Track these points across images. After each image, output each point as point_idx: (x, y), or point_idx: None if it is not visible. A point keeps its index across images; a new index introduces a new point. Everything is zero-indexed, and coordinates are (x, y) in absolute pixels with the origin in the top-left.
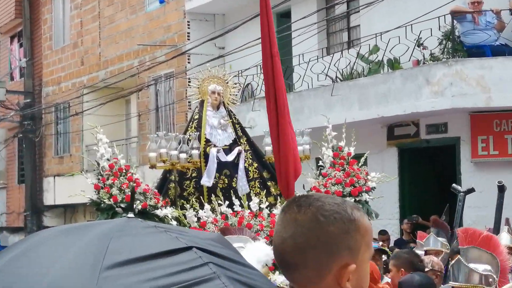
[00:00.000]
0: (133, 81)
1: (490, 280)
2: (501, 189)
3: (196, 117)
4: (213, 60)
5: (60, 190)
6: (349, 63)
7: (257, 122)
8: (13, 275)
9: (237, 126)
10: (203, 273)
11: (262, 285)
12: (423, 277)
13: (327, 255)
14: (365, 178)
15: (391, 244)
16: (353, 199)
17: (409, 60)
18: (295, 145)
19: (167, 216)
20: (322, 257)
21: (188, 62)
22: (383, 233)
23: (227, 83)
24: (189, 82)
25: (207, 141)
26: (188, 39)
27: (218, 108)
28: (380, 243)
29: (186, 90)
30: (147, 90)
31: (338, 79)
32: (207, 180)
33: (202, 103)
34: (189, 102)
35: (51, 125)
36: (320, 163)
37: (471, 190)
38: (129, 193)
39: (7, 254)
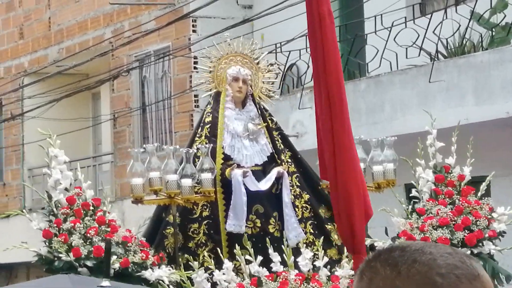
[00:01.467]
0: (105, 63)
1: None
2: None
3: (209, 119)
4: (234, 26)
5: None
6: (458, 29)
7: (307, 127)
8: None
9: (275, 133)
10: None
11: None
12: None
13: None
14: (489, 216)
15: None
16: (469, 251)
17: None
18: (358, 166)
19: (162, 280)
20: None
21: (194, 31)
22: None
23: (258, 63)
24: (196, 63)
25: (227, 158)
26: None
27: (243, 105)
28: None
29: (191, 76)
30: (127, 77)
31: (440, 56)
32: (236, 224)
33: (217, 97)
34: (196, 96)
35: None
36: (414, 192)
37: None
38: (100, 244)
39: None
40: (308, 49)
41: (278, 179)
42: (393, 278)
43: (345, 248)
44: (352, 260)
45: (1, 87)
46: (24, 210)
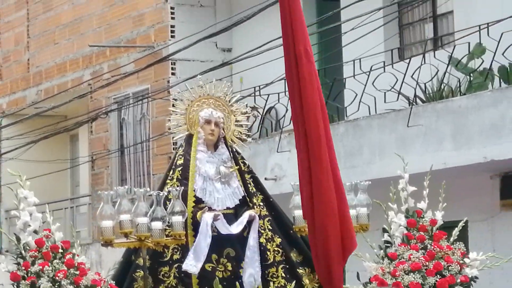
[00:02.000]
0: (83, 105)
1: None
2: None
3: (180, 162)
4: (213, 69)
5: None
6: (437, 74)
7: (286, 170)
8: None
9: (247, 176)
10: None
11: None
12: None
13: None
14: (460, 261)
15: None
16: None
17: None
18: (345, 206)
19: None
20: None
21: (173, 74)
22: None
23: (231, 106)
24: (174, 105)
25: (198, 201)
26: (172, 37)
27: (216, 147)
28: None
29: (170, 119)
30: (106, 119)
31: (418, 100)
32: (192, 264)
33: (189, 139)
34: (175, 140)
35: None
36: (386, 236)
37: None
38: (68, 287)
39: None
40: (287, 93)
41: (250, 223)
42: None
43: None
44: None
45: None
46: None
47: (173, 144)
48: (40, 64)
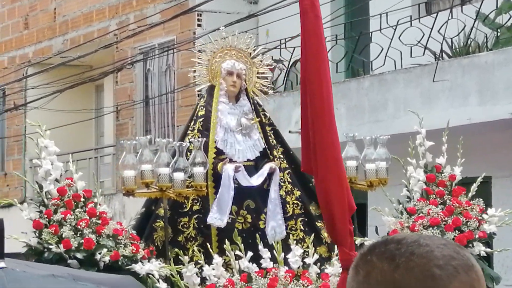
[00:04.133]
0: (109, 55)
1: None
2: None
3: (202, 113)
4: (239, 21)
5: None
6: (463, 29)
7: None
8: None
9: (268, 129)
10: None
11: None
12: None
13: None
14: (479, 217)
15: None
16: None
17: None
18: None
19: (153, 274)
20: None
21: (199, 25)
22: None
23: (253, 58)
24: (200, 56)
25: (219, 152)
26: None
27: (237, 99)
28: None
29: (195, 70)
30: (131, 69)
31: (444, 55)
32: (217, 218)
33: (211, 90)
34: (199, 90)
35: None
36: (405, 191)
37: None
38: (91, 236)
39: None
40: None
41: (270, 175)
42: (391, 271)
43: (335, 246)
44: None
45: (4, 77)
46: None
47: (198, 96)
48: (66, 13)
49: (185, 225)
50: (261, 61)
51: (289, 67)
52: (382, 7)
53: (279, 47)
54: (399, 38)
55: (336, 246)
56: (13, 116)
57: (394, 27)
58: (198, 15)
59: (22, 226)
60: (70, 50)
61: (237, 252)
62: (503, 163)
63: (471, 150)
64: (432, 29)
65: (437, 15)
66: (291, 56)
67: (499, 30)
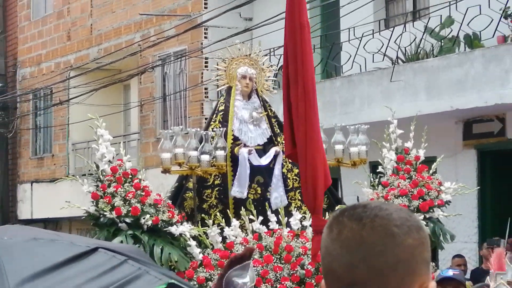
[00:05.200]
0: (134, 61)
1: None
2: None
3: (222, 108)
4: (237, 34)
5: (39, 200)
6: (414, 40)
7: None
8: None
9: (273, 120)
10: (128, 271)
11: (182, 282)
12: None
13: (409, 274)
14: (438, 189)
15: (467, 275)
16: (422, 216)
17: (492, 36)
18: (322, 145)
19: (185, 234)
20: (404, 278)
21: (205, 37)
22: (458, 256)
23: (262, 65)
24: (206, 62)
25: (235, 139)
26: (205, 7)
27: (249, 97)
28: (452, 272)
29: (202, 73)
30: (152, 72)
31: (399, 61)
32: (239, 191)
33: (229, 90)
34: (206, 88)
35: (28, 117)
36: (380, 169)
37: None
38: (137, 205)
39: None
40: None
41: (275, 156)
42: (359, 230)
43: (328, 211)
44: (311, 219)
45: (52, 78)
46: (68, 176)
47: (205, 94)
48: (100, 28)
49: (208, 196)
50: (267, 67)
51: (277, 70)
52: (350, 23)
53: (269, 54)
54: (363, 47)
55: (308, 209)
56: (59, 110)
57: (360, 39)
58: (204, 29)
59: (66, 197)
60: (103, 57)
61: (250, 217)
62: (445, 147)
63: (420, 136)
64: (389, 40)
65: (393, 29)
66: (278, 61)
67: (442, 41)
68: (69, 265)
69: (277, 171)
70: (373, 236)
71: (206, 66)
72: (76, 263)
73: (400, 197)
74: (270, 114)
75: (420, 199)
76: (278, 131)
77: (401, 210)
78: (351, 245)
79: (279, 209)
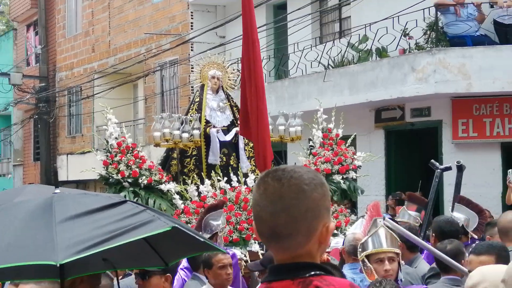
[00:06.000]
0: (140, 67)
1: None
2: (460, 168)
3: (197, 100)
4: (214, 48)
5: (72, 167)
6: (340, 52)
7: None
8: None
9: (234, 109)
10: (145, 217)
11: (190, 230)
12: None
13: (315, 218)
14: (352, 157)
15: None
16: (341, 177)
17: (395, 49)
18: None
19: (171, 190)
20: (312, 222)
21: (191, 50)
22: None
23: (226, 69)
24: (192, 68)
25: (207, 122)
26: (191, 29)
27: (217, 92)
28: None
29: (189, 76)
30: (153, 75)
31: (330, 67)
32: (214, 159)
33: (202, 87)
34: (192, 87)
35: (64, 107)
36: (311, 143)
37: (447, 168)
38: (136, 170)
39: None
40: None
41: (236, 135)
42: (279, 187)
43: None
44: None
45: (80, 80)
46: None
47: (191, 91)
48: (116, 43)
49: (188, 163)
50: (230, 71)
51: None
52: (295, 39)
53: (237, 62)
54: (304, 57)
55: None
56: (86, 102)
57: (302, 51)
58: (191, 44)
59: (92, 164)
60: (118, 64)
61: (218, 178)
62: (362, 127)
63: (345, 119)
64: (323, 52)
65: (325, 44)
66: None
67: (360, 52)
68: (102, 211)
69: (241, 145)
70: (289, 192)
71: (192, 71)
72: (108, 209)
73: (325, 163)
74: (232, 104)
75: (340, 165)
76: (238, 116)
77: (309, 171)
78: (273, 199)
79: (238, 171)
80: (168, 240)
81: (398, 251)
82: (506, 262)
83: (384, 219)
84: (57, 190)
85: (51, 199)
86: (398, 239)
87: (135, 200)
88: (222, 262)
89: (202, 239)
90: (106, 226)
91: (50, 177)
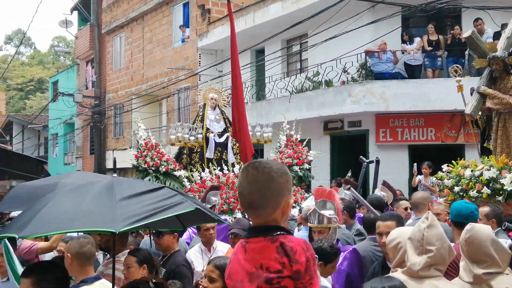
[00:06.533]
0: (164, 91)
1: (334, 220)
2: (377, 162)
3: (201, 114)
4: (214, 79)
5: (116, 159)
6: (301, 82)
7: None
8: (55, 207)
9: (226, 120)
10: (176, 200)
11: (211, 213)
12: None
13: (280, 196)
14: (306, 154)
15: None
16: (299, 167)
17: (338, 81)
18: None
19: (181, 176)
20: (277, 198)
21: (199, 80)
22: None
23: (221, 93)
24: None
25: (207, 129)
26: (199, 65)
27: (214, 108)
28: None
29: (197, 97)
30: (173, 97)
31: (293, 92)
32: (209, 154)
33: (204, 105)
34: (200, 106)
35: (111, 118)
36: (278, 144)
37: (371, 162)
38: (158, 161)
39: (42, 201)
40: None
41: (227, 138)
42: (256, 174)
43: None
44: None
45: (123, 99)
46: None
47: (199, 108)
48: (147, 75)
49: (194, 157)
50: (225, 94)
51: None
52: (270, 73)
53: (229, 88)
54: (276, 86)
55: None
56: (126, 115)
57: (275, 81)
58: (199, 76)
59: (129, 157)
60: (149, 89)
61: (214, 168)
62: (314, 134)
63: (303, 129)
64: (289, 82)
65: (290, 77)
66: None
67: (314, 83)
68: (147, 193)
69: (229, 144)
70: (262, 178)
71: (199, 94)
72: (152, 192)
73: (288, 158)
74: (224, 117)
75: (298, 159)
76: (229, 125)
77: (277, 164)
78: (252, 182)
79: (229, 163)
80: (188, 213)
81: (324, 226)
82: (402, 225)
83: (349, 189)
84: (115, 175)
85: (112, 181)
86: (329, 218)
87: (156, 182)
88: (206, 226)
89: (209, 213)
90: (150, 205)
91: (101, 166)
